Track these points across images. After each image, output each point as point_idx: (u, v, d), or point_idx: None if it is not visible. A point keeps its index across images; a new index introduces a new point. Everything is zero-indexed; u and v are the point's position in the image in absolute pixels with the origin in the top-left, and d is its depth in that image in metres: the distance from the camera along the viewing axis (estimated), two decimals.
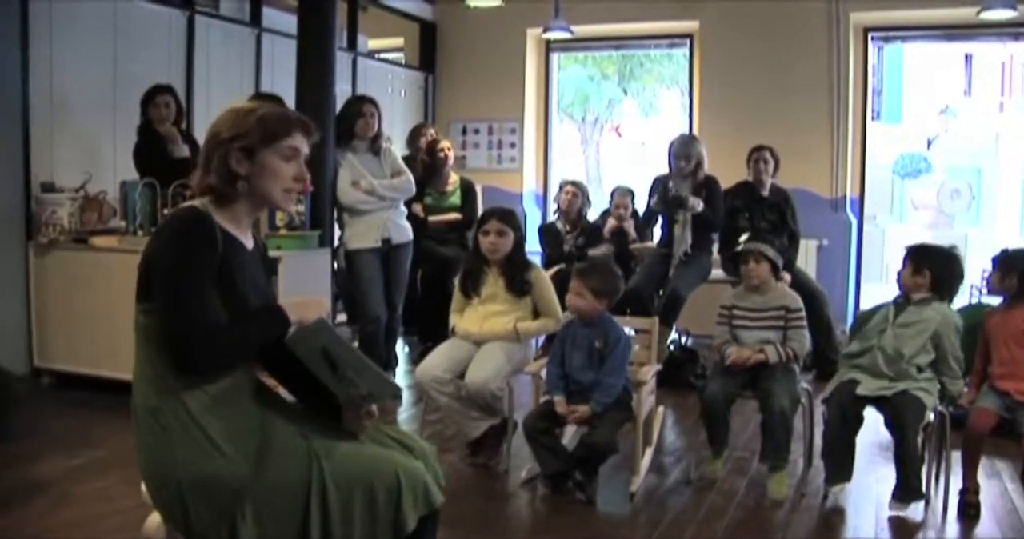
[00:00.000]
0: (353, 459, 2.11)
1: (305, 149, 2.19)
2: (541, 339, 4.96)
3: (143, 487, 2.14)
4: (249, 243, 2.22)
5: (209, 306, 2.02)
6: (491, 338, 4.13)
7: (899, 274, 3.75)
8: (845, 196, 7.83)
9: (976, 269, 9.19)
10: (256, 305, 2.14)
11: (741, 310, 4.03)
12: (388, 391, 2.23)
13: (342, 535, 2.05)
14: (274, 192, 2.16)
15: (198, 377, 2.03)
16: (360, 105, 5.37)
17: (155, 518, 2.18)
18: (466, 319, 4.24)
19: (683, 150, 5.71)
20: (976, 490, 3.54)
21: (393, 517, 2.09)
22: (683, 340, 6.41)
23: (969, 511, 3.50)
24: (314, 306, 2.15)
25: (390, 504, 2.08)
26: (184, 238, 2.04)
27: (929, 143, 16.42)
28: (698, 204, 5.59)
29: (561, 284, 5.69)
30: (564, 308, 4.13)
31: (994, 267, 3.81)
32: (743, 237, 4.25)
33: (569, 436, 4.15)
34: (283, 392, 2.33)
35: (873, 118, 10.96)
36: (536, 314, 4.22)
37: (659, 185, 5.81)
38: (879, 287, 3.60)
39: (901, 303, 3.72)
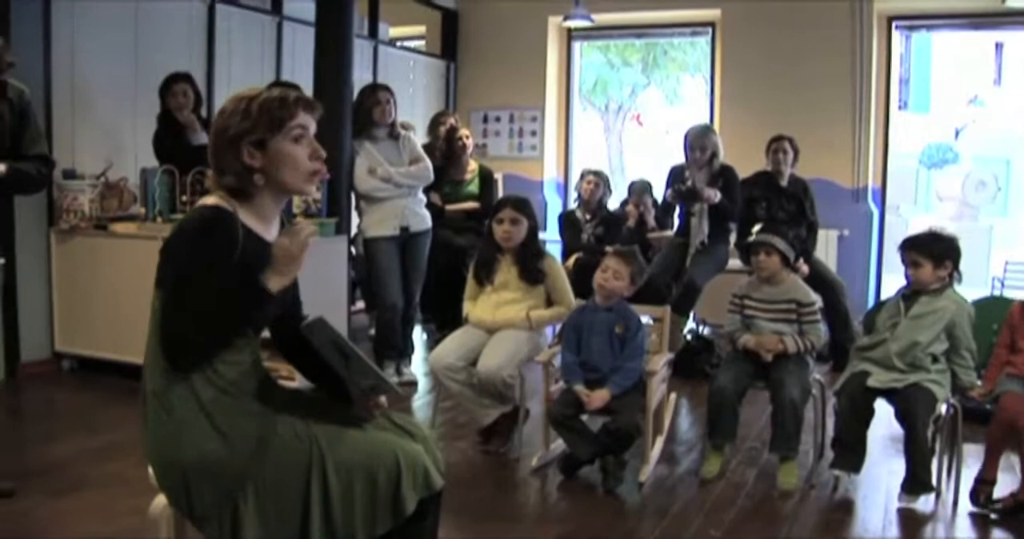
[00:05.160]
0: (353, 443, 2.13)
1: (312, 126, 2.17)
2: (557, 327, 4.96)
3: (150, 470, 2.18)
4: (272, 235, 2.20)
5: (210, 311, 2.02)
6: (504, 326, 4.14)
7: (906, 273, 3.70)
8: (867, 186, 7.77)
9: (1000, 262, 9.11)
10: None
11: (753, 300, 4.03)
12: (388, 386, 2.26)
13: (343, 518, 2.08)
14: (294, 179, 2.14)
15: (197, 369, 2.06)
16: (375, 93, 5.37)
17: (160, 500, 2.21)
18: (479, 307, 4.26)
19: (698, 141, 5.70)
20: (993, 482, 3.47)
21: (393, 499, 2.11)
22: (700, 329, 6.41)
23: (980, 497, 3.45)
24: (286, 258, 2.09)
25: (390, 487, 2.11)
26: (203, 239, 2.04)
27: (957, 133, 16.26)
28: (714, 195, 5.57)
29: (580, 272, 5.74)
30: (583, 295, 4.14)
31: None
32: (755, 228, 4.24)
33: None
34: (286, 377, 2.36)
35: (900, 108, 10.83)
36: (549, 302, 4.24)
37: (675, 176, 5.81)
38: (900, 278, 3.60)
39: (909, 295, 3.69)
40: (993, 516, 3.41)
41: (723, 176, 5.71)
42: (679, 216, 6.05)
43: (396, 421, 2.32)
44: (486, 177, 6.68)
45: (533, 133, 9.12)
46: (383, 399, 2.27)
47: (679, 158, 5.91)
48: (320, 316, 2.13)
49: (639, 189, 7.06)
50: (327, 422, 2.17)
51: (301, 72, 6.24)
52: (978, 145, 15.60)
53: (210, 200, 2.13)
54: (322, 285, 5.11)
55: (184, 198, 5.09)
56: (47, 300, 5.36)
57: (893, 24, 7.80)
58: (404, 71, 8.55)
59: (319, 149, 2.17)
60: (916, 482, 3.48)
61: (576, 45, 9.32)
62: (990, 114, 16.45)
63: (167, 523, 2.23)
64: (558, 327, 4.30)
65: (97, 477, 3.62)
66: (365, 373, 2.21)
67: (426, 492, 2.17)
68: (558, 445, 4.03)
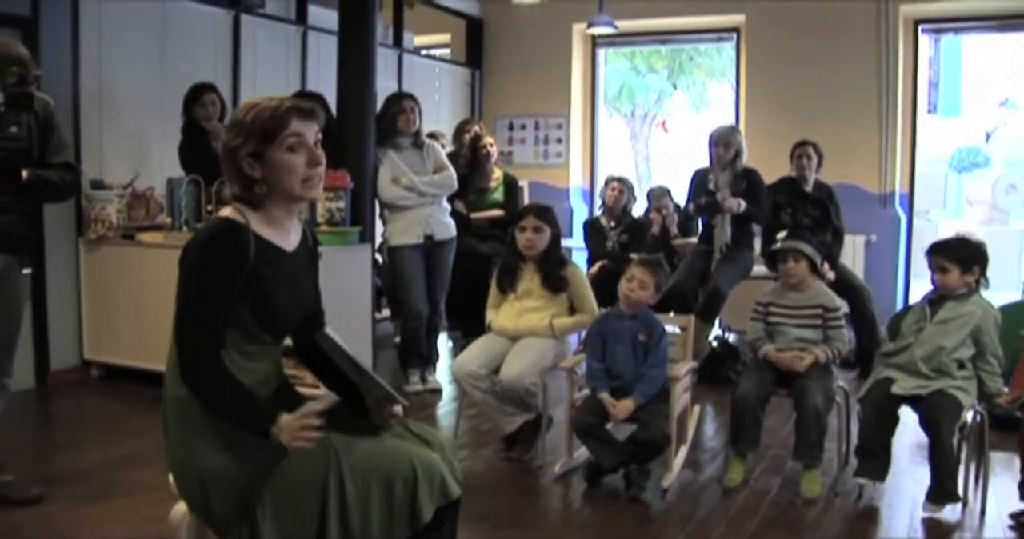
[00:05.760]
0: (370, 452, 2.15)
1: (309, 133, 2.16)
2: (583, 334, 4.96)
3: (170, 477, 2.21)
4: (291, 244, 2.24)
5: (218, 320, 2.07)
6: (527, 334, 4.15)
7: (933, 279, 3.68)
8: (894, 191, 7.72)
9: None
10: (288, 312, 2.19)
11: (778, 307, 4.01)
12: (397, 399, 2.26)
13: (360, 526, 2.09)
14: (293, 186, 2.15)
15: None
16: (400, 101, 5.40)
17: (181, 507, 2.24)
18: (502, 315, 4.27)
19: (722, 138, 5.67)
20: None
21: (410, 508, 2.12)
22: (725, 336, 6.38)
23: None
24: (297, 430, 2.04)
25: (407, 495, 2.11)
26: (211, 249, 2.08)
27: (988, 136, 16.05)
28: (737, 206, 5.54)
29: (605, 279, 5.72)
30: (607, 303, 4.14)
31: None
32: (781, 234, 4.22)
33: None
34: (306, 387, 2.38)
35: (930, 111, 10.67)
36: (572, 310, 4.24)
37: (698, 180, 5.79)
38: (928, 284, 3.59)
39: (936, 300, 3.66)
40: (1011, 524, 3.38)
41: (747, 178, 5.67)
42: (702, 222, 6.02)
43: (413, 429, 2.32)
44: (511, 185, 6.68)
45: (559, 140, 9.14)
46: (399, 409, 2.28)
47: (704, 164, 5.88)
48: (323, 331, 2.16)
49: (658, 194, 7.06)
50: (344, 430, 2.17)
51: (326, 81, 6.28)
52: (1009, 148, 15.38)
53: (225, 212, 2.17)
54: (347, 294, 5.13)
55: (210, 207, 5.14)
56: (76, 309, 5.42)
57: (919, 27, 7.75)
58: (429, 79, 8.58)
59: (317, 156, 2.18)
60: (941, 491, 3.44)
61: (601, 52, 9.33)
62: (1022, 117, 16.22)
63: (187, 529, 2.25)
64: (583, 334, 4.31)
65: (123, 483, 3.66)
66: (375, 385, 2.23)
67: (443, 500, 2.17)
68: (581, 453, 4.03)
